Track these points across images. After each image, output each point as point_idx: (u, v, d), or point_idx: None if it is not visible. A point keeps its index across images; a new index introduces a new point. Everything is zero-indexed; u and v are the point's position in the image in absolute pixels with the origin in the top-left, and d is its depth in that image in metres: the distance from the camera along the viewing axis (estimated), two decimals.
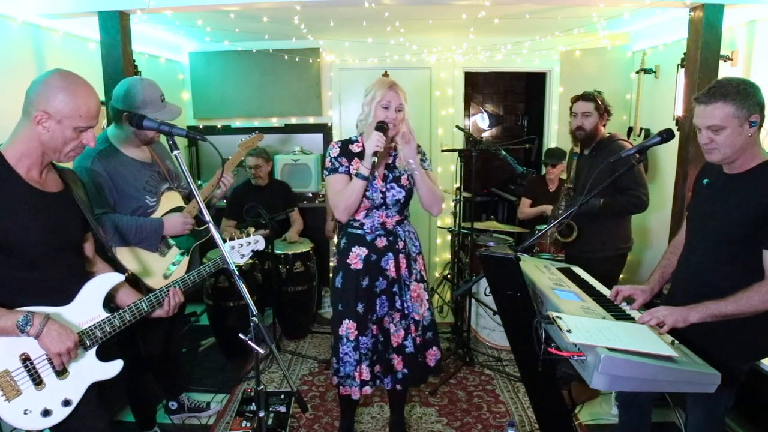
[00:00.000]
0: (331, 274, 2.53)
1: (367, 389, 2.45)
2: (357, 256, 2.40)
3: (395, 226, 2.43)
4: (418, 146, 2.45)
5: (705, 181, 1.98)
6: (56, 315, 1.68)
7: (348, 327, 2.40)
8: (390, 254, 2.40)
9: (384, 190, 2.37)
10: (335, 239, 2.48)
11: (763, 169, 1.77)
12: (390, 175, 2.39)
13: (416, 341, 2.46)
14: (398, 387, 2.52)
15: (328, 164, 2.39)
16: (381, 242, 2.40)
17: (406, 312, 2.44)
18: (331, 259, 2.52)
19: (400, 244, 2.43)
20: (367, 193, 2.34)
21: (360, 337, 2.40)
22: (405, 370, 2.47)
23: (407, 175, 2.41)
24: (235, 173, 2.79)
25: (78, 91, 1.62)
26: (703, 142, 1.80)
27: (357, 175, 2.28)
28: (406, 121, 2.34)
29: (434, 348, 2.54)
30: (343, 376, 2.45)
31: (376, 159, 2.23)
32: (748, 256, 1.77)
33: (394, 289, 2.42)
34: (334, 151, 2.39)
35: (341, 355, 2.43)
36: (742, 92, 1.70)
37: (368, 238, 2.40)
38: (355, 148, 2.39)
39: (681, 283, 2.02)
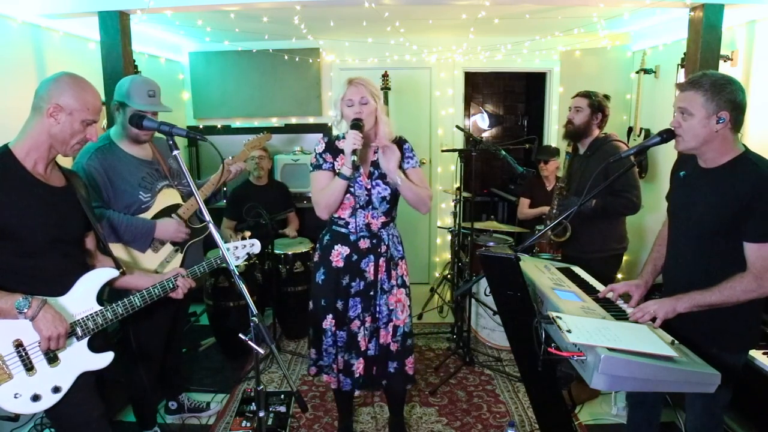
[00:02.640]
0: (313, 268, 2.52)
1: (345, 381, 2.46)
2: (339, 254, 2.39)
3: (380, 229, 2.41)
4: (405, 142, 2.45)
5: (681, 173, 2.00)
6: (53, 302, 1.74)
7: (330, 322, 2.42)
8: (371, 257, 2.39)
9: (369, 187, 2.35)
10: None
11: (736, 164, 1.79)
12: (376, 172, 2.38)
13: (390, 347, 2.44)
14: (356, 392, 2.53)
15: (312, 160, 2.39)
16: (364, 244, 2.39)
17: (378, 316, 2.43)
18: (314, 254, 2.50)
19: (383, 248, 2.41)
20: (352, 190, 2.33)
21: (338, 332, 2.43)
22: (363, 374, 2.43)
23: None
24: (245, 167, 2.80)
25: (85, 87, 1.78)
26: (672, 124, 1.85)
27: (339, 174, 2.28)
28: (386, 124, 2.33)
29: (412, 356, 2.53)
30: (326, 366, 2.48)
31: (356, 158, 2.22)
32: (728, 248, 1.79)
33: (371, 293, 2.41)
34: (320, 147, 2.39)
35: (325, 347, 2.45)
36: (716, 86, 1.73)
37: (352, 237, 2.39)
38: (341, 145, 2.37)
39: (671, 277, 2.06)
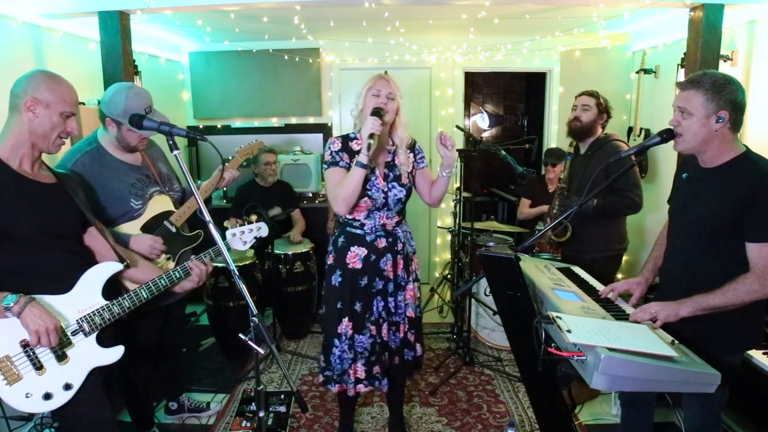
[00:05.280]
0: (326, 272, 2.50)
1: (361, 387, 2.45)
2: (356, 255, 2.39)
3: (395, 227, 2.43)
4: (416, 142, 2.51)
5: (684, 175, 2.00)
6: (55, 302, 1.77)
7: (346, 325, 2.40)
8: (389, 255, 2.41)
9: (386, 189, 2.36)
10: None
11: (737, 163, 1.79)
12: (390, 174, 2.39)
13: (407, 337, 2.49)
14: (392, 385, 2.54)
15: (328, 158, 2.35)
16: (381, 243, 2.40)
17: (397, 311, 2.46)
18: (327, 257, 2.50)
19: (399, 246, 2.44)
20: (370, 193, 2.32)
21: (356, 336, 2.41)
22: (389, 363, 2.49)
23: (407, 174, 2.42)
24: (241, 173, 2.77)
25: (59, 80, 1.81)
26: (671, 123, 1.85)
27: (356, 163, 2.23)
28: (404, 127, 2.39)
29: (419, 344, 2.58)
30: (339, 374, 2.46)
31: (372, 141, 2.19)
32: (729, 249, 1.79)
33: (390, 290, 2.43)
34: (335, 145, 2.37)
35: (337, 353, 2.43)
36: (717, 86, 1.74)
37: (368, 238, 2.39)
38: (354, 146, 2.37)
39: (668, 277, 2.05)
